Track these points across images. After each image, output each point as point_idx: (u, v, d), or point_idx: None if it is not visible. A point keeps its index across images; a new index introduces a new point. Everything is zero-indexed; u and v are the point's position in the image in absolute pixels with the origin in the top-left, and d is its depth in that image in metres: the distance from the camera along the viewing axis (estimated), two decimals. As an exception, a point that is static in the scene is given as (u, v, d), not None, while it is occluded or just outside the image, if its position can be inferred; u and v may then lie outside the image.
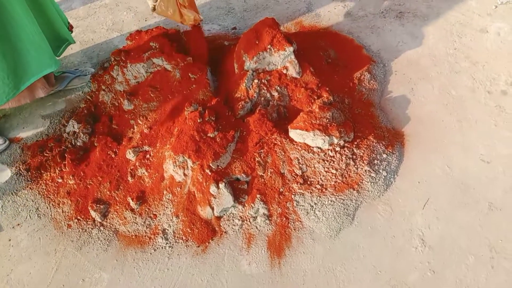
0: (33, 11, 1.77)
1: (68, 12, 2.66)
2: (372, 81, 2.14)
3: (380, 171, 1.80)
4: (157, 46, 2.00)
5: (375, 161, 1.82)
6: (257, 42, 1.91)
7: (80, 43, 2.48)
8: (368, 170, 1.78)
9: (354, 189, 1.76)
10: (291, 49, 1.89)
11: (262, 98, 1.93)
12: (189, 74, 1.93)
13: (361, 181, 1.77)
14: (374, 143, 1.86)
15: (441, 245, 1.65)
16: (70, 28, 2.10)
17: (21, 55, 1.77)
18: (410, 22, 2.46)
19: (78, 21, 2.59)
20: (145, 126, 1.89)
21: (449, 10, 2.51)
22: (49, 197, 1.85)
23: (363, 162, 1.79)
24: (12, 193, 1.87)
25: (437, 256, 1.62)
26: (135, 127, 1.91)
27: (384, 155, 1.85)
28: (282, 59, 1.92)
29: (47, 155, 1.94)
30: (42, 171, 1.91)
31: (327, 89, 1.95)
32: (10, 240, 1.76)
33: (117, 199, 1.79)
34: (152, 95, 1.92)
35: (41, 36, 1.81)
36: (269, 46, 1.89)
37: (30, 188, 1.88)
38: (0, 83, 1.74)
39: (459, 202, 1.76)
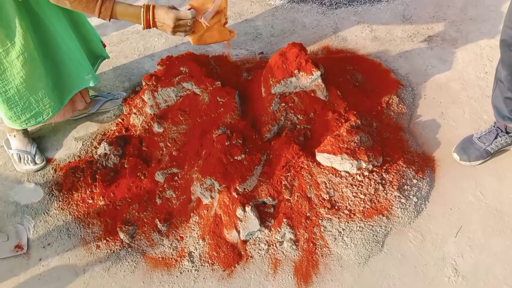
0: (71, 29, 1.86)
1: (102, 37, 2.76)
2: (400, 105, 2.12)
3: (411, 197, 1.77)
4: (186, 71, 2.05)
5: (405, 187, 1.78)
6: (284, 67, 1.93)
7: (113, 67, 2.56)
8: (398, 196, 1.75)
9: (383, 215, 1.72)
10: (318, 73, 1.90)
11: (289, 122, 1.94)
12: (217, 98, 1.97)
13: (390, 207, 1.73)
14: (403, 168, 1.82)
15: (475, 275, 1.59)
16: (103, 45, 2.19)
17: (62, 71, 1.86)
18: (438, 46, 2.44)
19: (111, 46, 2.69)
20: (174, 148, 1.92)
21: (478, 33, 2.48)
22: (79, 218, 1.88)
23: (392, 188, 1.76)
24: (44, 213, 1.92)
25: (471, 286, 1.56)
26: (164, 149, 1.94)
27: (414, 181, 1.81)
28: (309, 83, 1.93)
29: (78, 176, 1.99)
30: (74, 192, 1.95)
31: (355, 112, 1.94)
32: (40, 259, 1.80)
33: (145, 220, 1.81)
34: (181, 118, 1.96)
35: (80, 52, 1.90)
36: (296, 71, 1.91)
37: (61, 208, 1.92)
38: (46, 98, 1.83)
39: (493, 230, 1.70)
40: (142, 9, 1.52)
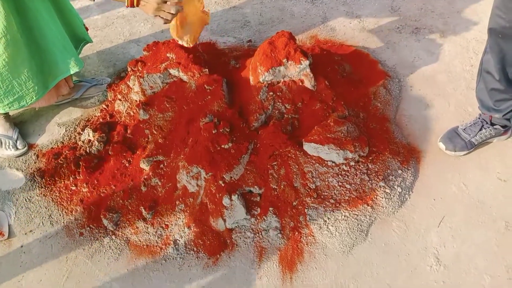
0: (54, 11, 1.83)
1: (86, 22, 2.70)
2: (387, 96, 2.13)
3: (395, 187, 1.78)
4: (173, 57, 2.02)
5: (390, 177, 1.80)
6: (273, 55, 1.91)
7: (97, 52, 2.51)
8: (383, 186, 1.76)
9: (368, 205, 1.73)
10: (307, 62, 1.89)
11: (277, 111, 1.93)
12: (205, 86, 1.94)
13: (375, 196, 1.75)
14: (389, 159, 1.84)
15: (457, 265, 1.62)
16: (86, 29, 2.15)
17: (47, 56, 1.83)
18: (426, 38, 2.46)
19: (96, 31, 2.63)
20: (160, 136, 1.90)
21: (465, 26, 2.50)
22: (62, 205, 1.85)
23: (377, 178, 1.78)
24: (25, 200, 1.88)
25: (453, 275, 1.59)
26: (149, 136, 1.92)
27: (399, 171, 1.83)
28: (298, 72, 1.92)
29: (61, 162, 1.95)
30: (56, 178, 1.92)
31: (342, 103, 1.94)
32: (22, 246, 1.77)
33: (130, 208, 1.79)
34: (167, 105, 1.93)
35: (64, 37, 1.87)
36: (284, 59, 1.90)
37: (43, 195, 1.89)
38: (29, 81, 1.79)
39: (475, 221, 1.73)
40: None
